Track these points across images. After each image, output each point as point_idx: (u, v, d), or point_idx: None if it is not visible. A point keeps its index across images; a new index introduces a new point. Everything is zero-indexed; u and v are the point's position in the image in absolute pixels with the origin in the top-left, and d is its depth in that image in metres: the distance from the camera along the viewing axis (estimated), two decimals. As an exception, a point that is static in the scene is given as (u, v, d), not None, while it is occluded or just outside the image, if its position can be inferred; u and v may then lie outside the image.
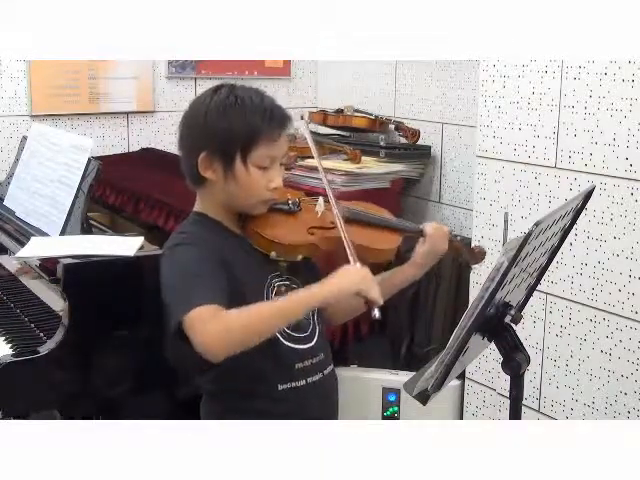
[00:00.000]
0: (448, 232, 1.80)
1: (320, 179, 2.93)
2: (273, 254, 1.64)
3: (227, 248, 1.61)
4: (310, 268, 1.74)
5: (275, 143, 1.62)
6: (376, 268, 1.81)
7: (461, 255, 1.86)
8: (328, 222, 1.72)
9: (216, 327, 1.45)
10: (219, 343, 1.46)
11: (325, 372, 1.71)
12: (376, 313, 1.52)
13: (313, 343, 1.68)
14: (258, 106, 1.61)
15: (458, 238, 1.85)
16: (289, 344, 1.63)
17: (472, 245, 1.88)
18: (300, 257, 1.69)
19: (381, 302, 1.53)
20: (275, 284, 1.65)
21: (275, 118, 1.62)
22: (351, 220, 1.74)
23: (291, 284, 1.68)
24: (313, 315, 1.71)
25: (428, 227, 1.78)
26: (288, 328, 1.64)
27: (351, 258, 1.59)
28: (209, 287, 1.50)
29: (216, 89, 1.65)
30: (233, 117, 1.59)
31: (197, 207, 1.69)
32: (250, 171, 1.60)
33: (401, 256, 1.83)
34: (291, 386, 1.64)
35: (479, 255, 1.85)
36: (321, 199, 1.77)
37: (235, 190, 1.62)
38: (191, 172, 1.64)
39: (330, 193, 1.71)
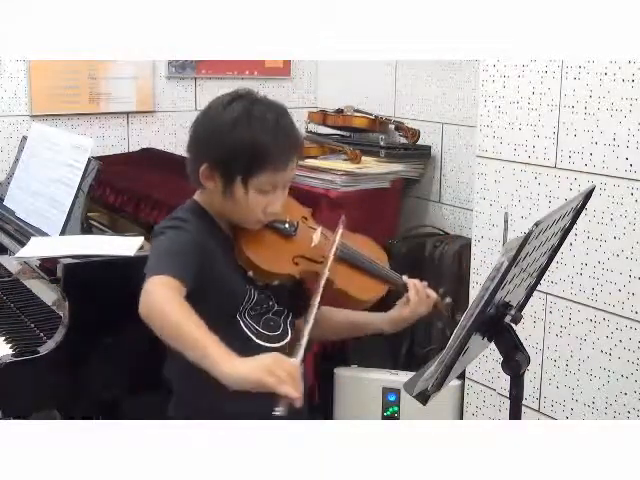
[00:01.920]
0: (434, 298, 1.74)
1: (320, 179, 2.95)
2: (250, 273, 1.63)
3: (214, 242, 1.61)
4: (285, 285, 1.71)
5: (281, 171, 1.58)
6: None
7: (441, 318, 1.80)
8: (319, 256, 1.67)
9: (157, 298, 1.43)
10: (145, 311, 1.45)
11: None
12: (278, 410, 1.30)
13: (284, 342, 1.67)
14: (271, 129, 1.56)
15: (447, 301, 1.76)
16: (260, 342, 1.63)
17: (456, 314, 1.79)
18: (276, 282, 1.66)
19: (295, 395, 1.30)
20: (255, 292, 1.64)
21: (285, 146, 1.57)
22: (342, 259, 1.69)
23: (266, 296, 1.67)
24: (285, 317, 1.70)
25: (412, 292, 1.71)
26: (259, 326, 1.64)
27: (301, 352, 1.41)
28: (178, 265, 1.48)
29: (233, 98, 1.60)
30: (241, 137, 1.55)
31: (197, 197, 1.68)
32: (249, 194, 1.57)
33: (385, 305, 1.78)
34: None
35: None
36: (319, 230, 1.73)
37: (231, 207, 1.60)
38: (193, 176, 1.64)
39: (334, 246, 1.66)
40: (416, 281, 1.75)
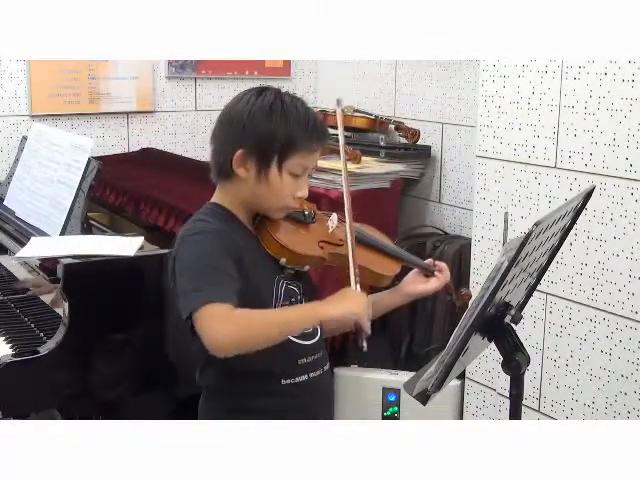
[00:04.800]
0: (449, 279, 1.86)
1: (320, 179, 2.95)
2: (283, 260, 1.66)
3: (241, 241, 1.62)
4: (308, 277, 1.76)
5: (311, 155, 1.65)
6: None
7: (450, 295, 1.90)
8: (337, 239, 1.74)
9: (226, 327, 1.47)
10: (227, 341, 1.48)
11: (324, 368, 1.73)
12: (364, 345, 1.57)
13: (316, 339, 1.70)
14: (303, 116, 1.64)
15: (464, 291, 1.91)
16: (295, 339, 1.64)
17: (461, 288, 1.93)
18: (307, 268, 1.72)
19: (369, 332, 1.57)
20: (283, 284, 1.67)
21: (317, 130, 1.65)
22: (358, 241, 1.76)
23: (296, 288, 1.69)
24: None
25: (445, 273, 1.84)
26: None
27: (353, 282, 1.63)
28: (225, 285, 1.51)
29: (262, 90, 1.66)
30: (277, 121, 1.61)
31: (215, 199, 1.69)
32: (283, 177, 1.62)
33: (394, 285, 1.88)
34: (294, 381, 1.65)
35: (465, 298, 1.88)
36: (334, 215, 1.80)
37: (264, 192, 1.63)
38: (222, 165, 1.65)
39: (348, 215, 1.72)
40: (440, 262, 1.88)
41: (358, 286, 1.62)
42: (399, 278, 1.86)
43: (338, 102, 1.81)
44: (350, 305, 1.57)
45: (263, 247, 1.66)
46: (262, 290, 1.63)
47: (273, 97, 1.64)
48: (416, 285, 1.84)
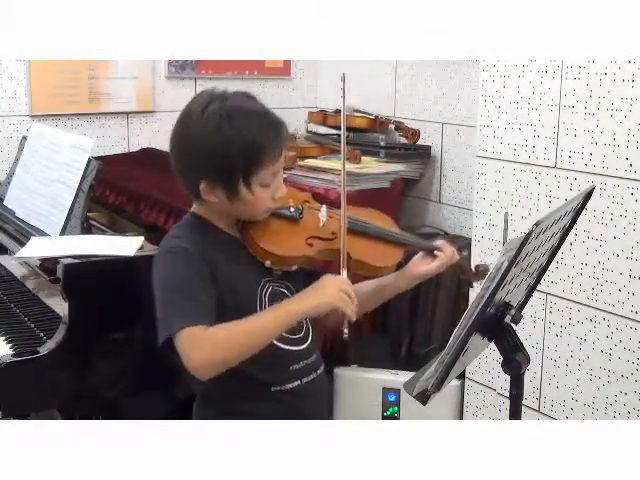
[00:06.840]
0: (458, 257, 1.79)
1: (320, 179, 2.95)
2: (268, 263, 1.62)
3: (221, 252, 1.59)
4: (300, 274, 1.71)
5: (277, 161, 1.58)
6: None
7: (464, 273, 1.83)
8: (329, 233, 1.69)
9: (201, 350, 1.46)
10: (205, 364, 1.48)
11: (318, 372, 1.71)
12: (346, 333, 1.52)
13: (307, 344, 1.67)
14: (255, 124, 1.55)
15: (465, 254, 1.83)
16: (284, 346, 1.62)
17: (476, 264, 1.85)
18: (295, 267, 1.67)
19: (354, 319, 1.52)
20: (269, 288, 1.64)
21: (273, 135, 1.57)
22: (353, 231, 1.70)
23: (284, 289, 1.66)
24: (305, 319, 1.69)
25: (446, 252, 1.75)
26: None
27: (341, 266, 1.58)
28: (195, 306, 1.50)
29: (206, 105, 1.57)
30: (230, 140, 1.53)
31: (194, 209, 1.67)
32: (255, 192, 1.57)
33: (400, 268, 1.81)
34: (285, 388, 1.63)
35: (481, 274, 1.80)
36: (324, 208, 1.74)
37: (239, 208, 1.60)
38: (191, 192, 1.61)
39: (344, 205, 1.66)
40: (444, 241, 1.80)
41: (344, 271, 1.56)
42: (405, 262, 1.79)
43: (343, 78, 1.66)
44: (326, 294, 1.52)
45: (247, 250, 1.63)
46: (244, 299, 1.60)
47: (217, 110, 1.54)
48: (419, 267, 1.76)
